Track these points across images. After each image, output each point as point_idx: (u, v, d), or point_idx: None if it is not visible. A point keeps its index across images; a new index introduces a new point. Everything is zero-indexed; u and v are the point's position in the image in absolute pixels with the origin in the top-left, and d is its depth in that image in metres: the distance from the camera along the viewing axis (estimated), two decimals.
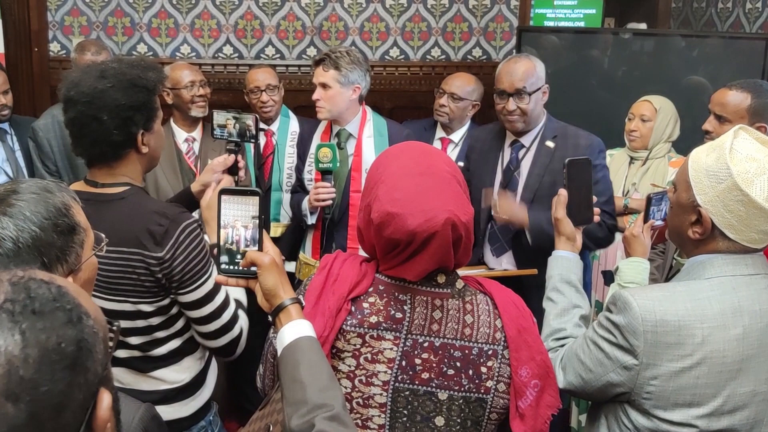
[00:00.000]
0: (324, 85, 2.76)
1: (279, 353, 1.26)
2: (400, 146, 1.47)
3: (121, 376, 1.76)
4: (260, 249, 1.33)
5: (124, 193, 1.71)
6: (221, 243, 1.33)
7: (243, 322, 1.80)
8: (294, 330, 1.25)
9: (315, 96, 2.77)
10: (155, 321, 1.72)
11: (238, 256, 1.33)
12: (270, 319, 1.31)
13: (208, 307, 1.71)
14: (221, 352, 1.78)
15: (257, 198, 1.32)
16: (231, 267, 1.34)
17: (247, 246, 1.33)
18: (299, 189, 2.99)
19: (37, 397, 0.67)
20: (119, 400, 0.83)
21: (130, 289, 1.67)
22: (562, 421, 3.09)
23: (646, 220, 1.94)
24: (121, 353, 1.75)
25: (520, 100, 2.47)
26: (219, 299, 1.72)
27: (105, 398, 0.75)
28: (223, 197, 1.33)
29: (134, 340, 1.73)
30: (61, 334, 0.70)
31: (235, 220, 1.33)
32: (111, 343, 0.82)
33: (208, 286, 1.70)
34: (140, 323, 1.71)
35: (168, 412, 1.77)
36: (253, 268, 1.31)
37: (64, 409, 0.69)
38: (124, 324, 1.70)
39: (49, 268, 1.08)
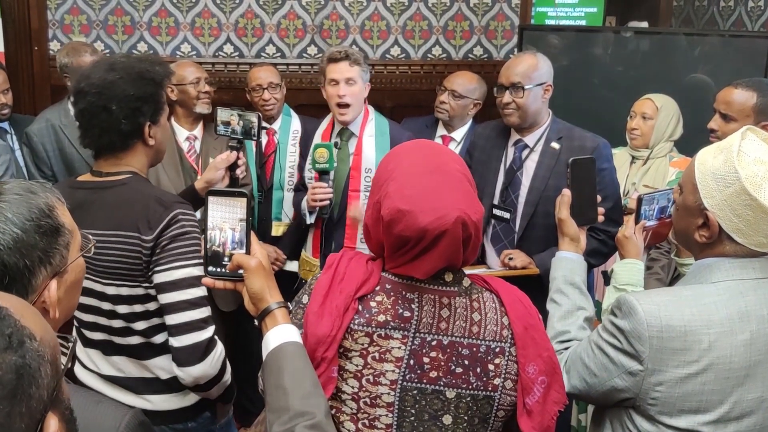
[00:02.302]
0: (350, 80, 2.74)
1: (264, 358, 1.24)
2: (410, 144, 1.47)
3: (124, 365, 1.79)
4: (247, 252, 1.31)
5: (126, 179, 1.75)
6: (208, 245, 1.31)
7: (221, 344, 1.74)
8: (279, 335, 1.24)
9: (341, 92, 2.73)
10: (152, 306, 1.73)
11: (225, 259, 1.31)
12: (256, 323, 1.29)
13: (176, 294, 1.67)
14: (183, 356, 1.67)
15: (245, 200, 1.31)
16: (218, 270, 1.32)
17: (234, 249, 1.31)
18: (301, 187, 2.97)
19: None
20: (75, 420, 0.79)
21: (126, 272, 1.69)
22: (563, 420, 3.08)
23: (637, 221, 1.92)
24: (125, 340, 1.76)
25: (515, 94, 2.48)
26: (193, 293, 1.68)
27: (51, 425, 0.71)
28: (210, 198, 1.31)
29: (139, 326, 1.74)
30: None
31: (222, 222, 1.31)
32: (64, 361, 0.78)
33: (182, 273, 1.67)
34: (138, 308, 1.73)
35: (169, 401, 1.78)
36: (240, 271, 1.29)
37: None
38: (126, 309, 1.73)
39: (31, 271, 1.06)
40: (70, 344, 0.82)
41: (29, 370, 0.69)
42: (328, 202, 2.70)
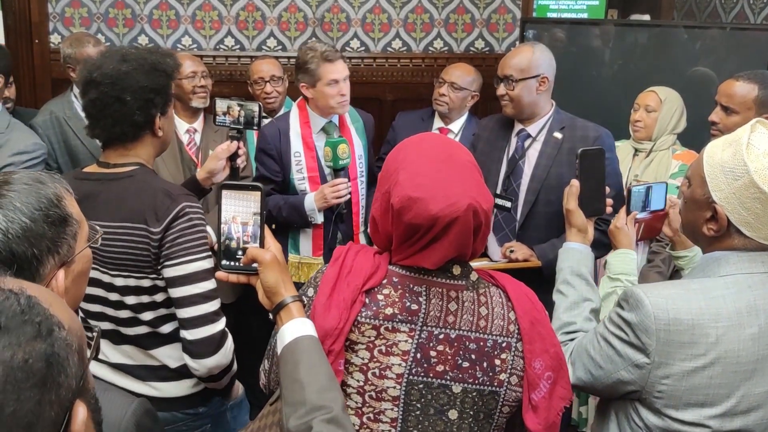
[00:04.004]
0: (346, 78, 2.78)
1: (279, 352, 1.24)
2: (418, 136, 1.47)
3: (132, 353, 1.80)
4: (261, 245, 1.31)
5: (133, 171, 1.76)
6: (222, 239, 1.32)
7: (230, 335, 1.76)
8: (294, 329, 1.24)
9: (344, 91, 2.76)
10: (159, 297, 1.74)
11: (239, 253, 1.31)
12: (271, 317, 1.29)
13: (188, 288, 1.69)
14: (197, 348, 1.70)
15: (259, 193, 1.31)
16: (232, 263, 1.32)
17: (247, 242, 1.31)
18: (274, 191, 2.86)
19: (3, 420, 0.64)
20: (100, 409, 0.80)
21: (133, 264, 1.71)
22: (563, 413, 3.08)
23: (628, 212, 1.93)
24: (132, 330, 1.78)
25: (507, 86, 2.52)
26: (205, 287, 1.70)
27: (80, 412, 0.72)
28: (224, 192, 1.31)
29: (146, 316, 1.76)
30: (28, 351, 0.67)
31: (236, 215, 1.31)
32: (90, 350, 0.79)
33: (194, 267, 1.69)
34: (145, 299, 1.75)
35: (179, 388, 1.80)
36: (254, 265, 1.30)
37: (33, 429, 0.66)
38: (133, 300, 1.74)
39: (39, 260, 1.07)
40: (95, 335, 0.83)
41: (58, 358, 0.70)
42: (349, 196, 2.72)
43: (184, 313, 1.69)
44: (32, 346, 0.68)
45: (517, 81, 2.48)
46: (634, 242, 1.89)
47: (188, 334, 1.69)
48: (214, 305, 1.71)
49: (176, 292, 1.69)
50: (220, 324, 1.71)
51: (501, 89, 2.54)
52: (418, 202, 1.28)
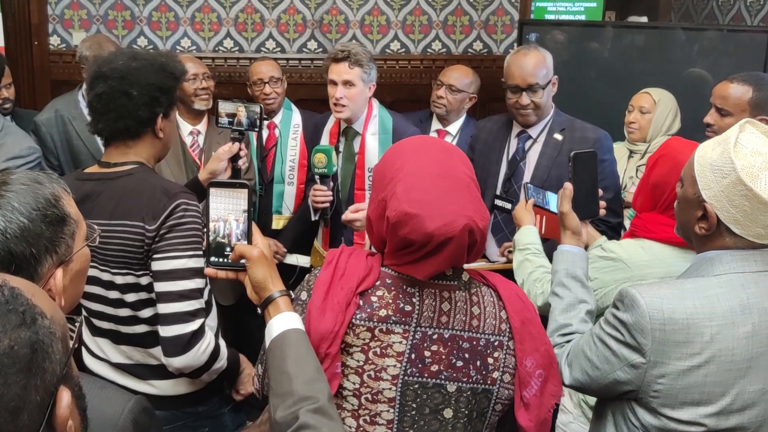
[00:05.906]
0: (348, 83, 2.73)
1: (267, 345, 1.27)
2: (417, 142, 1.45)
3: (132, 353, 1.81)
4: (249, 242, 1.34)
5: (133, 170, 1.77)
6: (211, 236, 1.34)
7: (210, 335, 1.75)
8: (282, 322, 1.26)
9: (338, 94, 2.72)
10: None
11: (228, 249, 1.34)
12: (259, 311, 1.32)
13: (167, 284, 1.69)
14: (169, 346, 1.70)
15: (246, 191, 1.33)
16: (220, 260, 1.35)
17: (236, 239, 1.34)
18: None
19: None
20: (85, 396, 0.83)
21: (131, 261, 1.72)
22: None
23: (527, 200, 2.08)
24: (131, 329, 1.79)
25: (534, 95, 2.48)
26: (184, 285, 1.70)
27: (64, 397, 0.75)
28: (212, 190, 1.34)
29: (145, 313, 1.77)
30: (13, 337, 0.70)
31: (224, 212, 1.34)
32: (72, 340, 0.82)
33: (177, 264, 1.69)
34: (144, 295, 1.75)
35: (178, 386, 1.81)
36: (243, 261, 1.32)
37: (20, 412, 0.69)
38: (133, 297, 1.75)
39: (38, 259, 1.09)
40: (77, 325, 0.85)
41: (42, 345, 0.72)
42: (327, 205, 2.71)
43: (161, 308, 1.70)
44: (17, 333, 0.71)
45: (543, 87, 2.47)
46: (534, 220, 2.02)
47: (161, 330, 1.70)
48: (190, 305, 1.70)
49: (157, 287, 1.70)
50: (193, 325, 1.69)
51: (525, 99, 2.48)
52: (414, 219, 1.28)
